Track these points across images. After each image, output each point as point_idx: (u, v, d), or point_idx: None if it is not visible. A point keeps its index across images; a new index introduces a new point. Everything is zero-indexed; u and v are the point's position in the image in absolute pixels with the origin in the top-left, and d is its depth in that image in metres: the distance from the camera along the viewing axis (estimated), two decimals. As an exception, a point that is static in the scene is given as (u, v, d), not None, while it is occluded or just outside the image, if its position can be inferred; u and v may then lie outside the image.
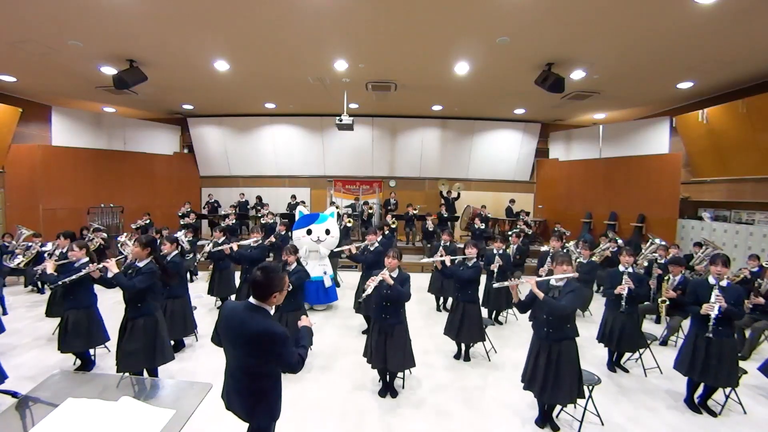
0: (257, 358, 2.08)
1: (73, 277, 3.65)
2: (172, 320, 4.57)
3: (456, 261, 4.71)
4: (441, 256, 4.92)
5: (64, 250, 4.82)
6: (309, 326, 2.37)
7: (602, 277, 7.10)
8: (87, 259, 4.01)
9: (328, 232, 6.67)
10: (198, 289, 7.27)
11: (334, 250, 6.55)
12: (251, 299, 2.11)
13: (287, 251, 4.37)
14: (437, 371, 4.48)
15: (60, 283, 3.65)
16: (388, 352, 3.66)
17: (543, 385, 3.19)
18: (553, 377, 3.14)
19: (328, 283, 6.52)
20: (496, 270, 5.38)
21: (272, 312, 2.16)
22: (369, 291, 3.58)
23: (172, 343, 4.69)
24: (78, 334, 4.00)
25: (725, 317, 3.41)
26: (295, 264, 4.34)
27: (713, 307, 3.36)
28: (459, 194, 11.56)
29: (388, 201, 11.43)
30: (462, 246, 4.92)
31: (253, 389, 2.13)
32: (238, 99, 10.02)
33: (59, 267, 4.03)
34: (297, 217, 7.05)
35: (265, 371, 2.14)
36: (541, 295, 3.12)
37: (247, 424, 2.25)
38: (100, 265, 3.68)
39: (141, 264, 3.57)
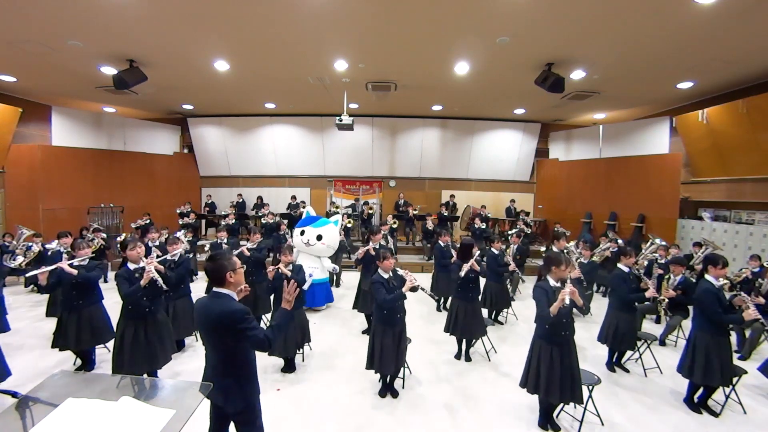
0: (226, 341, 2.19)
1: (142, 283, 3.54)
2: (183, 318, 4.67)
3: (479, 261, 4.61)
4: (468, 262, 4.51)
5: (68, 249, 4.87)
6: (288, 308, 2.34)
7: (602, 277, 7.12)
8: (90, 255, 4.14)
9: (319, 237, 6.44)
10: (197, 288, 7.27)
11: (359, 252, 6.42)
12: (213, 289, 2.26)
13: (286, 251, 4.40)
14: (437, 371, 4.48)
15: (135, 288, 3.53)
16: (400, 353, 3.72)
17: (562, 389, 3.14)
18: (569, 377, 3.15)
19: (306, 286, 6.21)
20: (516, 269, 5.83)
21: (236, 297, 2.29)
22: (428, 290, 3.69)
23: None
24: (97, 329, 4.12)
25: None
26: (292, 265, 4.38)
27: (754, 309, 3.47)
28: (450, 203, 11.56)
29: (398, 203, 11.44)
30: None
31: (230, 373, 2.23)
32: (238, 99, 10.02)
33: (72, 264, 4.06)
34: (303, 216, 7.05)
35: (238, 357, 2.24)
36: (580, 301, 3.12)
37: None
38: (152, 266, 3.65)
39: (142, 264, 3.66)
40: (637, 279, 4.41)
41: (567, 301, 2.97)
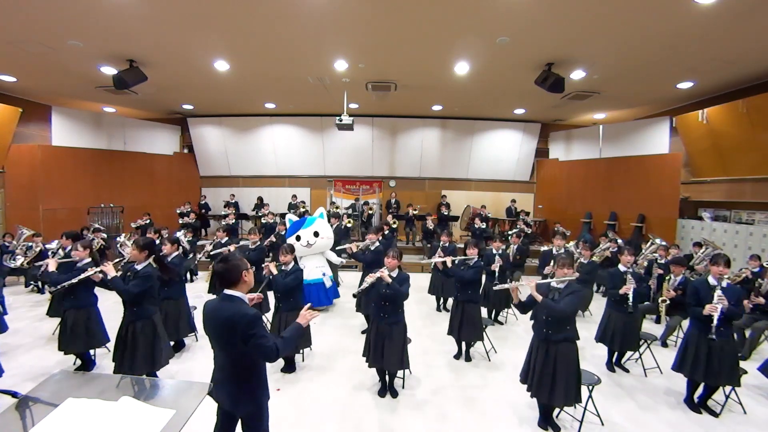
0: (236, 345, 2.15)
1: (73, 280, 3.63)
2: (167, 322, 4.53)
3: (456, 261, 4.71)
4: (440, 256, 4.92)
5: (68, 250, 4.84)
6: (302, 324, 2.35)
7: (602, 277, 7.12)
8: (89, 259, 4.02)
9: (316, 234, 6.48)
10: (198, 288, 7.28)
11: (337, 249, 6.46)
12: (224, 291, 2.22)
13: (283, 251, 4.37)
14: (437, 371, 4.48)
15: (59, 287, 3.64)
16: (386, 352, 3.66)
17: (538, 385, 3.20)
18: (549, 378, 3.14)
19: (328, 283, 6.47)
20: (496, 270, 5.40)
21: (246, 300, 2.26)
22: (364, 286, 3.63)
23: (172, 343, 4.70)
24: (78, 334, 3.98)
25: (726, 317, 3.41)
26: (291, 264, 4.35)
27: (716, 308, 3.34)
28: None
29: (390, 202, 11.45)
30: (462, 246, 4.92)
31: (240, 377, 2.21)
32: (238, 99, 10.03)
33: (61, 266, 4.03)
34: (287, 226, 6.99)
35: (248, 359, 2.21)
36: (539, 297, 3.13)
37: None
38: (99, 269, 3.67)
39: (139, 267, 3.58)
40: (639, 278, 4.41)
41: (519, 290, 3.29)
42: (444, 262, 4.61)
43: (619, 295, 4.23)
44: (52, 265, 3.87)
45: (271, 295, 5.06)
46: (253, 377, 2.25)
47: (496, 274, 5.40)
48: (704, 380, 3.57)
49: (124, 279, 3.56)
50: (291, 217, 7.16)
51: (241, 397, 2.23)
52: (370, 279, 3.60)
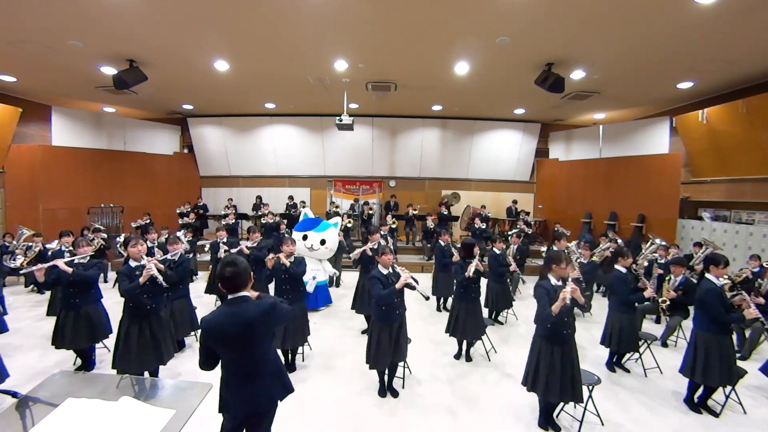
0: (267, 337, 2.24)
1: (141, 280, 3.46)
2: (182, 319, 4.65)
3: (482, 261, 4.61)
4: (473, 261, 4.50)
5: (69, 248, 4.86)
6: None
7: (602, 277, 7.12)
8: (90, 254, 4.15)
9: (323, 242, 6.48)
10: (198, 288, 7.27)
11: (355, 252, 6.44)
12: (231, 296, 2.15)
13: (290, 242, 4.43)
14: (437, 371, 4.48)
15: (137, 291, 3.47)
16: (401, 345, 3.75)
17: (562, 388, 3.14)
18: (570, 375, 3.16)
19: (310, 288, 6.14)
20: (516, 269, 5.76)
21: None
22: (423, 292, 3.50)
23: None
24: (98, 327, 4.14)
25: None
26: (294, 256, 4.40)
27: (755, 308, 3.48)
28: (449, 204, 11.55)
29: (389, 203, 11.44)
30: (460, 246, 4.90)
31: (269, 370, 2.26)
32: (238, 99, 10.03)
33: (69, 262, 4.06)
34: (301, 218, 7.02)
35: (273, 348, 2.35)
36: (582, 300, 3.15)
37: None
38: (153, 265, 3.54)
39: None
40: (635, 279, 4.41)
41: (568, 300, 2.98)
42: (476, 267, 4.41)
43: (644, 297, 4.27)
44: (63, 265, 3.87)
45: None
46: (280, 367, 2.37)
47: (516, 270, 5.76)
48: (719, 383, 3.56)
49: (130, 276, 3.56)
50: (308, 212, 7.16)
51: (275, 387, 2.29)
52: (411, 281, 3.50)
